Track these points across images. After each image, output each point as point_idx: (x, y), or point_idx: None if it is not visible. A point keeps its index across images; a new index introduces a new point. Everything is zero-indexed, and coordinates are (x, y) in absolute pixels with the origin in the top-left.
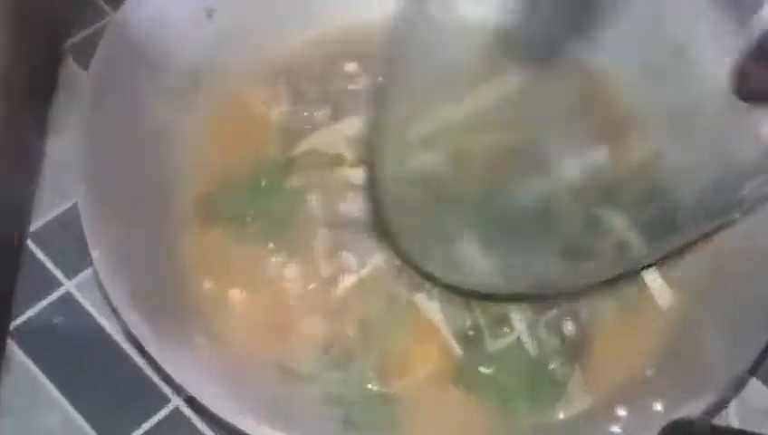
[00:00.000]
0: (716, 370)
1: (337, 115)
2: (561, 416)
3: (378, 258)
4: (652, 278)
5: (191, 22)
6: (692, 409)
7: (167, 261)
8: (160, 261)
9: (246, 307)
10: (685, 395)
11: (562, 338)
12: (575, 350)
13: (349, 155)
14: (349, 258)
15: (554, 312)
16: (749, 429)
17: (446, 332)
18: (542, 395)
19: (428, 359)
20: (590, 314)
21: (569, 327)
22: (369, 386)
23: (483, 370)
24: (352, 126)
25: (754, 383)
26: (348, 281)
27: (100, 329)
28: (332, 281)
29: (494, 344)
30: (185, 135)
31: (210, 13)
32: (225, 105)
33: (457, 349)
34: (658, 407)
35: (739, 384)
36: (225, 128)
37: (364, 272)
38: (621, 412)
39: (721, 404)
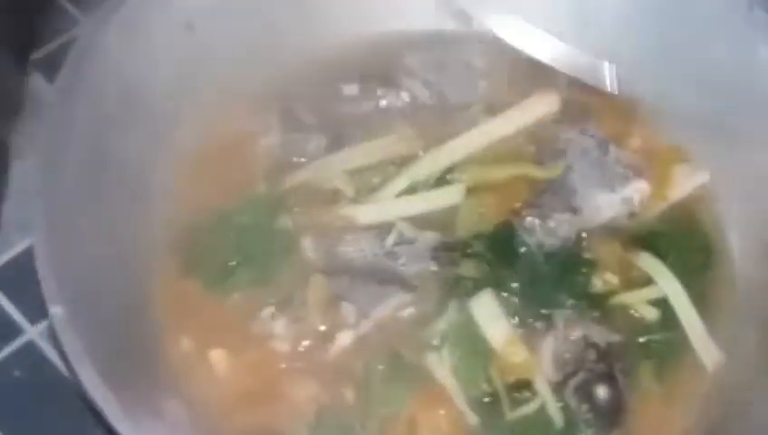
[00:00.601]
0: None
1: (334, 145)
2: None
3: (381, 310)
4: (698, 335)
5: (169, 36)
6: None
7: (138, 315)
8: (131, 315)
9: (229, 370)
10: None
11: (594, 405)
12: (609, 419)
13: (347, 190)
14: (348, 310)
15: (583, 374)
16: None
17: (458, 398)
18: None
19: (438, 430)
20: (626, 377)
21: (601, 393)
22: None
23: None
24: (351, 157)
25: None
26: (346, 338)
27: (64, 381)
28: (328, 337)
29: (514, 413)
30: (160, 167)
31: (190, 26)
32: (207, 133)
33: (473, 418)
34: None
35: None
36: (208, 159)
37: (365, 326)
38: None
39: None
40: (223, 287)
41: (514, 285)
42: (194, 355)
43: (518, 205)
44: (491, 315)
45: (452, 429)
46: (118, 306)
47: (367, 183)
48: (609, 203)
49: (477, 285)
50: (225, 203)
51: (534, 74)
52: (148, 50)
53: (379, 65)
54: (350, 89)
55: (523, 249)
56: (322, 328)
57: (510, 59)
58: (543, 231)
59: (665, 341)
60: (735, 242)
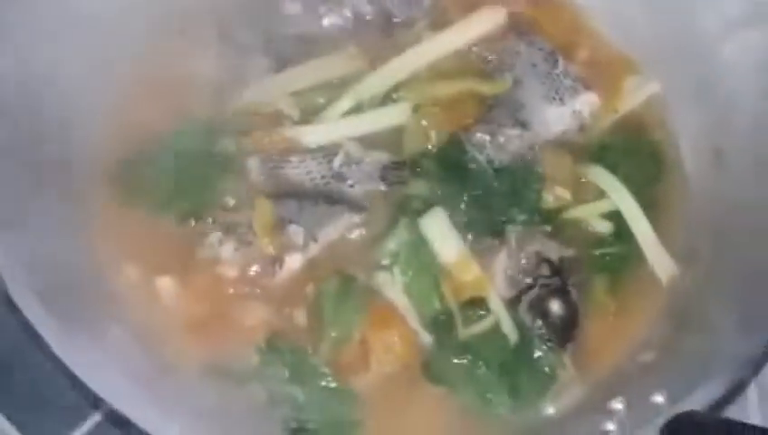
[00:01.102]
0: (725, 352)
1: (277, 66)
2: (551, 411)
3: (330, 232)
4: (652, 247)
5: None
6: (698, 399)
7: (79, 243)
8: (71, 242)
9: (176, 298)
10: (689, 383)
11: (549, 320)
12: (564, 334)
13: (292, 112)
14: (295, 233)
15: (537, 290)
16: None
17: (411, 317)
18: (526, 388)
19: (391, 349)
20: (579, 292)
21: (555, 307)
22: (323, 383)
23: (456, 361)
24: (295, 78)
25: None
26: (295, 261)
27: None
28: (277, 261)
29: (467, 331)
30: (98, 93)
31: None
32: (146, 59)
33: (426, 337)
34: (659, 398)
35: (755, 367)
36: (147, 85)
37: (314, 249)
38: (617, 406)
39: (735, 390)
40: (166, 213)
41: (465, 201)
42: (139, 283)
43: (467, 121)
44: (441, 233)
45: (405, 348)
46: (57, 234)
47: (312, 104)
48: (558, 116)
49: (427, 204)
50: (165, 129)
51: None
52: None
53: None
54: (293, 7)
55: (472, 165)
56: (270, 252)
57: None
58: (493, 147)
59: (619, 254)
60: (686, 152)
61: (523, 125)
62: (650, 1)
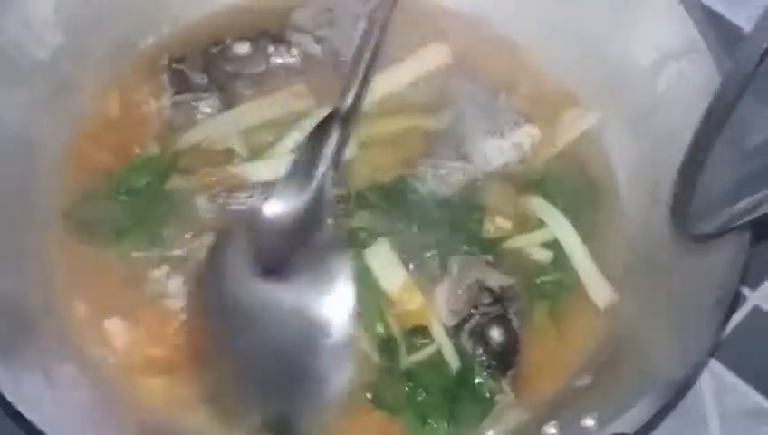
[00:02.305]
0: (655, 377)
1: (227, 105)
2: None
3: None
4: (589, 275)
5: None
6: (627, 422)
7: (31, 279)
8: (23, 279)
9: (126, 337)
10: (618, 408)
11: (489, 347)
12: (504, 360)
13: (240, 149)
14: None
15: (478, 318)
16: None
17: (362, 339)
18: (465, 414)
19: None
20: (520, 319)
21: (495, 335)
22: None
23: (399, 387)
24: (243, 116)
25: (734, 380)
26: None
27: None
28: None
29: (410, 358)
30: (48, 132)
31: None
32: (97, 96)
33: (375, 358)
34: (590, 422)
35: (679, 391)
36: (99, 123)
37: None
38: (551, 430)
39: (661, 413)
40: (116, 250)
41: (408, 232)
42: (89, 320)
43: (411, 155)
44: (385, 264)
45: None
46: (8, 270)
47: (260, 141)
48: (499, 149)
49: (372, 235)
50: (116, 166)
51: (424, 25)
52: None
53: (269, 23)
54: (241, 47)
55: (415, 198)
56: None
57: (398, 10)
58: (435, 179)
59: (558, 281)
60: (623, 182)
61: (465, 158)
62: (585, 36)
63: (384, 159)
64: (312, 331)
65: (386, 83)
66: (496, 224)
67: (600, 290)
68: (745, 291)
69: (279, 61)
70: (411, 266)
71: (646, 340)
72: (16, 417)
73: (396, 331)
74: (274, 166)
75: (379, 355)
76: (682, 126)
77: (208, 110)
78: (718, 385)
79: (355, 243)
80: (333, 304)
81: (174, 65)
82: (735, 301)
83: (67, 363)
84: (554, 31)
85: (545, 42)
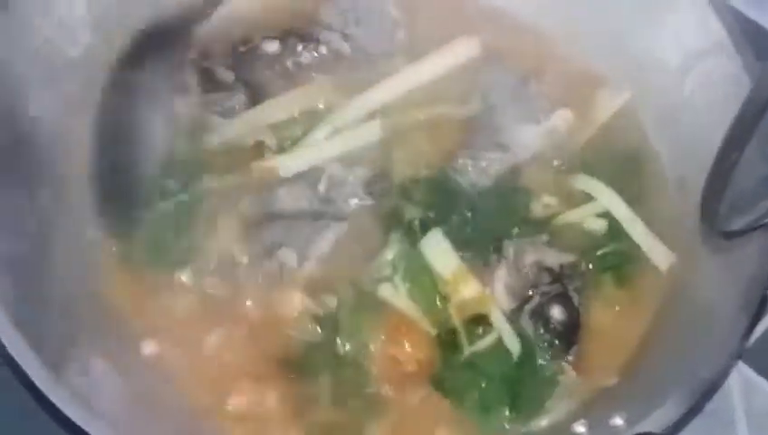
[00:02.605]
0: (683, 378)
1: (255, 102)
2: (544, 424)
3: (320, 247)
4: (646, 239)
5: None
6: (655, 422)
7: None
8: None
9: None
10: (647, 407)
11: (551, 326)
12: (566, 338)
13: (270, 142)
14: (287, 255)
15: (538, 298)
16: (758, 431)
17: (424, 322)
18: (527, 398)
19: (412, 355)
20: (580, 295)
21: (556, 313)
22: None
23: (462, 376)
24: (271, 111)
25: (762, 383)
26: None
27: None
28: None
29: (472, 347)
30: (80, 131)
31: None
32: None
33: (437, 349)
34: (619, 421)
35: (708, 392)
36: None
37: (309, 266)
38: (580, 428)
39: (692, 413)
40: (167, 266)
41: (457, 223)
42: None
43: (450, 146)
44: (441, 254)
45: (425, 351)
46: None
47: (290, 135)
48: (535, 135)
49: (423, 224)
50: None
51: (449, 19)
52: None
53: (297, 21)
54: (271, 46)
55: (459, 190)
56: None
57: (422, 6)
58: (476, 171)
59: (618, 251)
60: (662, 148)
61: (503, 147)
62: (615, 31)
63: (421, 148)
64: None
65: (415, 76)
66: (543, 202)
67: (658, 252)
68: None
69: (308, 58)
70: (466, 256)
71: (675, 340)
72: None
73: (456, 321)
74: (305, 155)
75: (441, 347)
76: (709, 124)
77: (236, 107)
78: (746, 387)
79: (401, 223)
80: None
81: (202, 63)
82: (763, 304)
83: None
84: (581, 25)
85: (570, 33)
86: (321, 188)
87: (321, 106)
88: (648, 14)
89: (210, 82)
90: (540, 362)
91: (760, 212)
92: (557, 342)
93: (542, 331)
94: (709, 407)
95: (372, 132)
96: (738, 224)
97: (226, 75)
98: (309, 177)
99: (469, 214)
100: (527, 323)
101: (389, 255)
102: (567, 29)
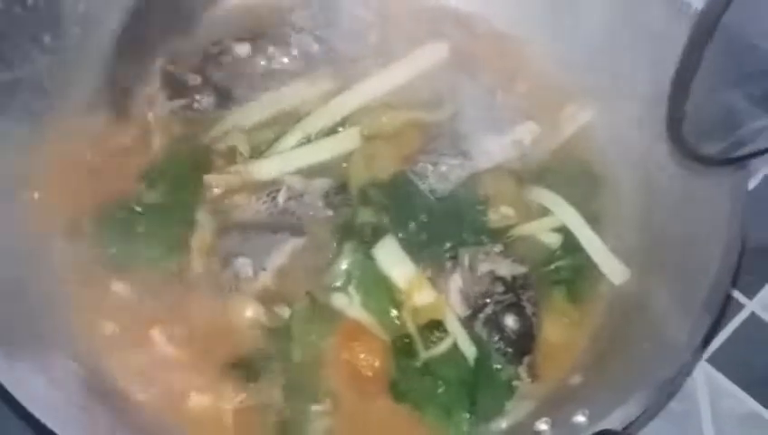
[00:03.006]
0: (644, 376)
1: (225, 105)
2: (504, 426)
3: (277, 258)
4: (601, 254)
5: None
6: (617, 419)
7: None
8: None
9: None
10: (608, 405)
11: (505, 334)
12: (520, 347)
13: (243, 148)
14: (243, 265)
15: (492, 306)
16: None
17: (378, 331)
18: (486, 401)
19: (368, 364)
20: (534, 305)
21: (510, 322)
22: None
23: (419, 381)
24: (244, 115)
25: (730, 386)
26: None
27: None
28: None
29: (428, 353)
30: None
31: None
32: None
33: (393, 356)
34: (581, 418)
35: (668, 389)
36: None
37: (265, 277)
38: (542, 426)
39: (652, 412)
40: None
41: (414, 228)
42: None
43: (410, 151)
44: (394, 260)
45: (380, 359)
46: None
47: (263, 139)
48: (499, 145)
49: (376, 230)
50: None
51: (422, 22)
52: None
53: (268, 23)
54: (242, 48)
55: (417, 194)
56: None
57: (398, 7)
58: (435, 176)
59: (572, 265)
60: (619, 167)
61: (465, 155)
62: (585, 34)
63: (383, 154)
64: None
65: (386, 80)
66: (500, 212)
67: (613, 267)
68: (742, 299)
69: (279, 61)
70: (421, 262)
71: (637, 337)
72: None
73: (411, 327)
74: (274, 163)
75: (397, 353)
76: None
77: (203, 111)
78: (714, 391)
79: (356, 234)
80: None
81: (167, 67)
82: (726, 304)
83: (66, 359)
84: (554, 28)
85: (546, 41)
86: (281, 199)
87: (292, 109)
88: (622, 14)
89: (175, 88)
90: (496, 366)
91: (732, 141)
92: (510, 350)
93: (496, 338)
94: (677, 410)
95: (344, 143)
96: (711, 149)
97: (193, 79)
98: (268, 188)
99: (426, 219)
100: (481, 330)
101: (343, 264)
102: (541, 39)
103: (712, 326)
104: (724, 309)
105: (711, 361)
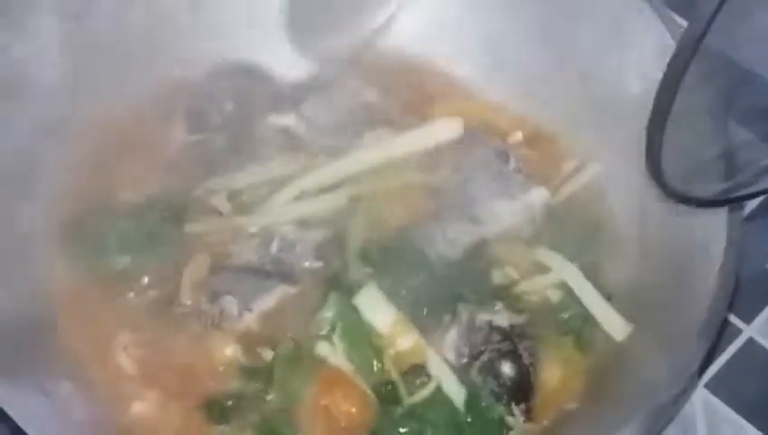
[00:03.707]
0: (640, 401)
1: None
2: None
3: (265, 302)
4: (600, 310)
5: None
6: None
7: (29, 294)
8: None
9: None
10: (607, 430)
11: (501, 381)
12: (515, 395)
13: (224, 208)
14: (230, 303)
15: (489, 354)
16: None
17: (359, 380)
18: None
19: (348, 413)
20: (531, 354)
21: (507, 369)
22: None
23: (405, 426)
24: (241, 178)
25: (728, 412)
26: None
27: None
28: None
29: (412, 398)
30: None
31: (79, 18)
32: (105, 126)
33: (375, 403)
34: None
35: (666, 416)
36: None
37: (249, 319)
38: None
39: None
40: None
41: (414, 289)
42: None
43: (415, 213)
44: (375, 305)
45: (359, 408)
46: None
47: (255, 195)
48: (510, 210)
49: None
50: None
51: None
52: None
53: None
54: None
55: (420, 256)
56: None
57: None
58: (444, 242)
59: (578, 315)
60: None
61: (474, 220)
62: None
63: (387, 213)
64: None
65: (392, 151)
66: (505, 272)
67: (614, 323)
68: (740, 324)
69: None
70: (418, 319)
71: (635, 362)
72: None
73: (393, 373)
74: (266, 217)
75: (380, 401)
76: None
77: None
78: (712, 417)
79: (342, 285)
80: None
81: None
82: (723, 329)
83: (64, 380)
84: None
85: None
86: (273, 249)
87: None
88: (610, 45)
89: (197, 122)
90: (485, 404)
91: (727, 187)
92: (506, 396)
93: (492, 385)
94: None
95: (336, 198)
96: (699, 191)
97: (215, 119)
98: (261, 236)
99: (427, 280)
100: (476, 377)
101: (328, 313)
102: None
103: (709, 352)
104: (722, 334)
105: (709, 387)
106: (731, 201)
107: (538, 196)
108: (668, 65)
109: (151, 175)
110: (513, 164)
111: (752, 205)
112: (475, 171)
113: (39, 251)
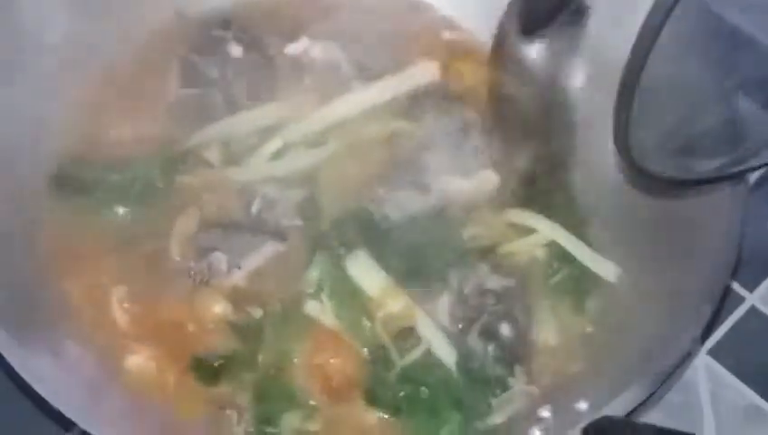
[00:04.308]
0: (645, 364)
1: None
2: (499, 420)
3: (254, 260)
4: (590, 257)
5: None
6: (618, 407)
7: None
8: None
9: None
10: (611, 392)
11: (499, 343)
12: (514, 356)
13: (214, 159)
14: (219, 260)
15: (486, 317)
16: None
17: (351, 338)
18: (474, 398)
19: (341, 371)
20: (526, 315)
21: (505, 331)
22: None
23: (400, 389)
24: (229, 127)
25: (731, 379)
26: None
27: None
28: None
29: (404, 361)
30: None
31: None
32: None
33: (367, 366)
34: (583, 405)
35: (670, 378)
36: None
37: (238, 276)
38: (545, 413)
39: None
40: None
41: (392, 252)
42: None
43: (376, 174)
44: (365, 270)
45: (353, 367)
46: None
47: (244, 145)
48: (460, 188)
49: (349, 245)
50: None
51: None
52: None
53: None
54: (236, 50)
55: (386, 226)
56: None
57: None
58: (391, 205)
59: (570, 276)
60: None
61: (423, 188)
62: None
63: (348, 173)
64: None
65: (370, 95)
66: (469, 233)
67: (605, 267)
68: (743, 292)
69: (270, 66)
70: (408, 285)
71: (638, 326)
72: (24, 389)
73: (385, 337)
74: (250, 171)
75: (372, 364)
76: None
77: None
78: (715, 384)
79: (332, 251)
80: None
81: (188, 55)
82: (726, 295)
83: (70, 339)
84: None
85: None
86: (254, 209)
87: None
88: None
89: (191, 77)
90: (480, 364)
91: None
92: (506, 358)
93: (492, 348)
94: (677, 401)
95: (320, 154)
96: (664, 168)
97: (211, 72)
98: (242, 195)
99: (405, 247)
100: (475, 342)
101: (315, 272)
102: None
103: (712, 319)
104: (724, 300)
105: (712, 353)
106: (723, 179)
107: (490, 180)
108: (636, 40)
109: (146, 127)
110: (473, 142)
111: (757, 173)
112: (433, 138)
113: (35, 204)
